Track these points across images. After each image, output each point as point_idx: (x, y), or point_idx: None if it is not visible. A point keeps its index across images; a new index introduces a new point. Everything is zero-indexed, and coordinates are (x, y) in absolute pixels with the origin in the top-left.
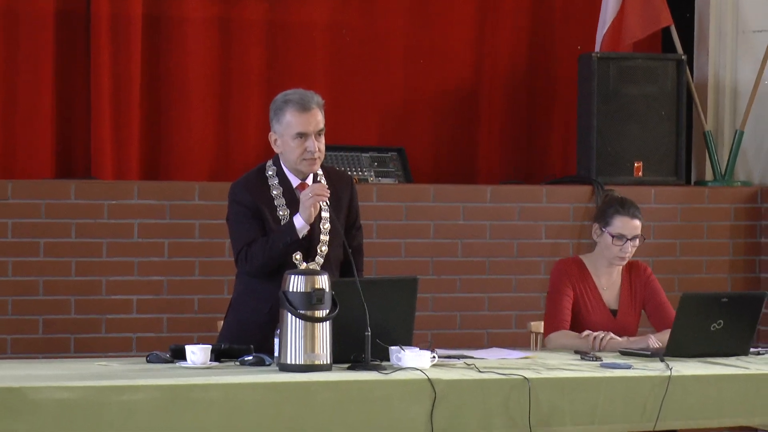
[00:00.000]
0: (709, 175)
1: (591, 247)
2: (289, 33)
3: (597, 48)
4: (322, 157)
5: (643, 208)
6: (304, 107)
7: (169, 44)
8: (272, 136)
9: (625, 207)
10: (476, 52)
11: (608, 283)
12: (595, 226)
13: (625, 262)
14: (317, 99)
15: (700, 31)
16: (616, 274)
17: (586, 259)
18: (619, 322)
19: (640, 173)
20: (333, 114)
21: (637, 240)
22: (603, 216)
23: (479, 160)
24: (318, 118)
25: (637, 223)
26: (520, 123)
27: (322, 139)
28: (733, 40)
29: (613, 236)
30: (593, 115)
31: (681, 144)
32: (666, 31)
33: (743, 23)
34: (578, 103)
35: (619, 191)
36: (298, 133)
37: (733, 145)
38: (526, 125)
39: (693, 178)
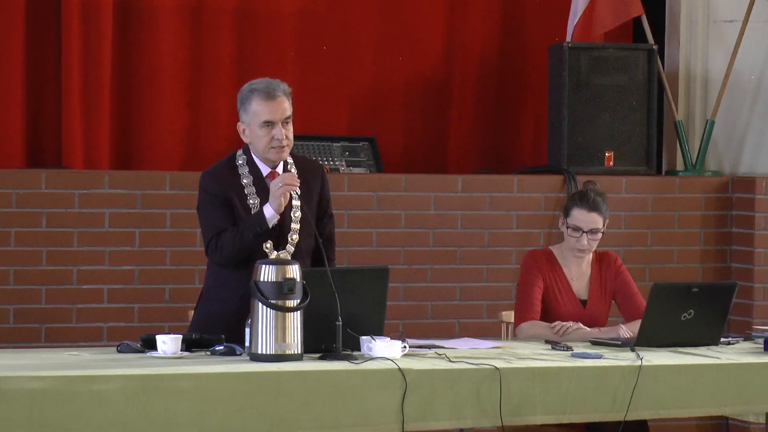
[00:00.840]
0: (680, 165)
1: (562, 237)
2: (260, 22)
3: (568, 38)
4: (291, 144)
5: (614, 198)
6: (269, 95)
7: (139, 33)
8: (240, 126)
9: (584, 200)
10: (447, 41)
11: (578, 274)
12: (560, 217)
13: (584, 255)
14: (283, 87)
15: (671, 21)
16: (586, 264)
17: (555, 249)
18: (588, 313)
19: (611, 163)
20: (304, 103)
21: (598, 234)
22: (565, 207)
23: (450, 149)
24: (284, 106)
25: (596, 216)
26: (491, 113)
27: (290, 127)
28: (704, 29)
29: (569, 227)
30: (564, 105)
31: (652, 134)
32: (637, 21)
33: (714, 13)
34: (549, 93)
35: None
36: (264, 121)
37: (704, 134)
38: (497, 115)
39: (664, 168)
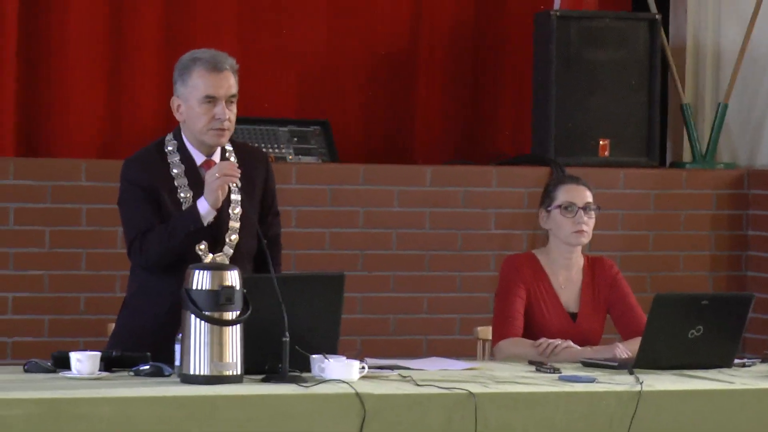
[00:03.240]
0: (687, 156)
1: (546, 238)
2: None
3: (556, 5)
4: (232, 128)
5: (609, 194)
6: (215, 67)
7: None
8: (175, 102)
9: (568, 176)
10: (413, 9)
11: (566, 282)
12: (541, 212)
13: (585, 239)
14: (231, 61)
15: None
16: (576, 271)
17: (539, 254)
18: (579, 328)
19: (607, 153)
20: (245, 81)
21: (593, 213)
22: (545, 196)
23: (417, 136)
24: (230, 82)
25: (586, 191)
26: (465, 93)
27: (234, 108)
28: None
29: (560, 207)
30: (551, 85)
31: (654, 119)
32: None
33: None
34: (534, 70)
35: (581, 173)
36: (206, 96)
37: (715, 120)
38: (473, 95)
39: (668, 159)
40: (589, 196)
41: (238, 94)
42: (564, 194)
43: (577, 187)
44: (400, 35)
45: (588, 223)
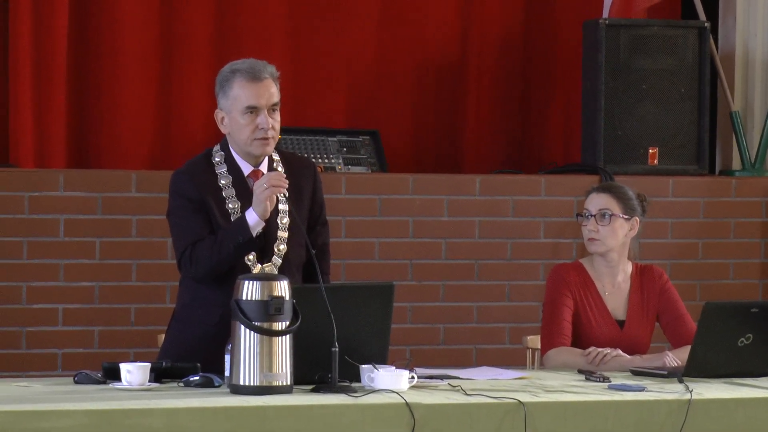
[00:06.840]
0: (736, 164)
1: None
2: None
3: (605, 13)
4: (277, 136)
5: (659, 202)
6: (254, 77)
7: (99, 7)
8: (218, 114)
9: (597, 185)
10: (463, 18)
11: (613, 289)
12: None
13: (597, 247)
14: (270, 69)
15: None
16: (623, 278)
17: (586, 262)
18: (626, 335)
19: (656, 161)
20: (294, 91)
21: (609, 219)
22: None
23: (466, 145)
24: (271, 90)
25: (606, 197)
26: (514, 102)
27: (277, 116)
28: (764, 4)
29: (578, 215)
30: (600, 93)
31: (703, 127)
32: None
33: None
34: (583, 78)
35: (630, 182)
36: (247, 107)
37: (764, 128)
38: (522, 104)
39: (718, 167)
40: (607, 203)
41: (280, 102)
42: (586, 202)
43: (597, 195)
44: (450, 45)
45: (603, 232)
